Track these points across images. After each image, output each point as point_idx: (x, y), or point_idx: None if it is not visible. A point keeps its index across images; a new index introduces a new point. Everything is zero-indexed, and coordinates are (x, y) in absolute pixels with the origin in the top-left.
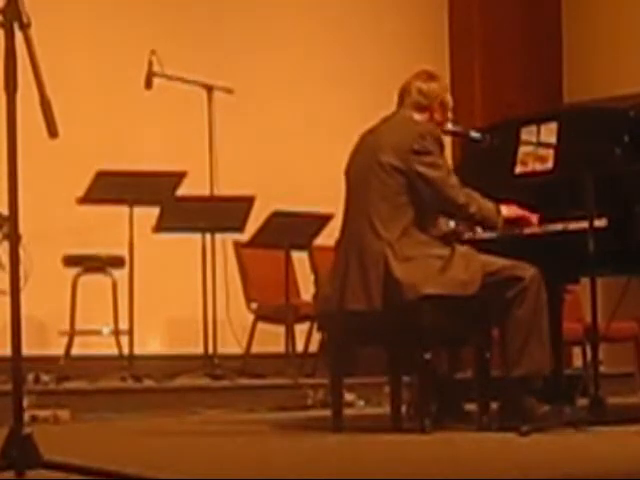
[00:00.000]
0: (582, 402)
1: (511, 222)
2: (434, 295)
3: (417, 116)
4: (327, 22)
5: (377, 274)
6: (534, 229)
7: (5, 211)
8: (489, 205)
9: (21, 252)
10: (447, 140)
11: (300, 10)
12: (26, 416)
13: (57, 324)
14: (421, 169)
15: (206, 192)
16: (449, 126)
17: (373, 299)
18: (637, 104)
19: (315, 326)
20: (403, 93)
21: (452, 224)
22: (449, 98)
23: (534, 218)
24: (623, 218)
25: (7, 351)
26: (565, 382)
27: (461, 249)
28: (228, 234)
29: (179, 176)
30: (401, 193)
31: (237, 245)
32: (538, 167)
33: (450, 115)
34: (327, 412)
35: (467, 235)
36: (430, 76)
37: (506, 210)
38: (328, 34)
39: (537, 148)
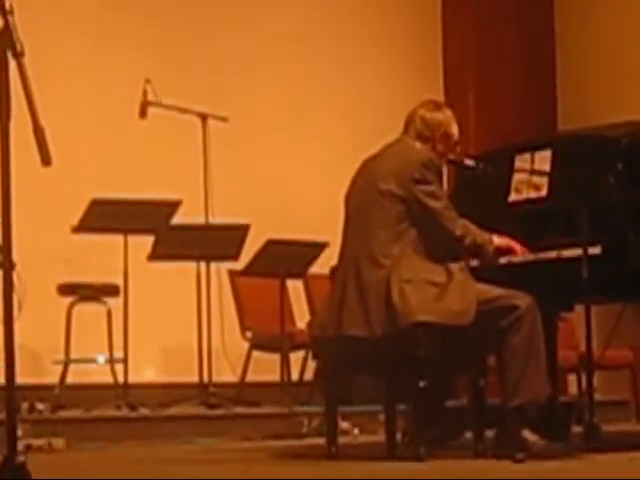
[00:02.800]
0: (577, 429)
1: (501, 251)
2: (428, 323)
3: (419, 145)
4: (323, 51)
5: (377, 299)
6: (528, 257)
7: None
8: (482, 235)
9: (15, 280)
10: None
11: (296, 39)
12: (21, 445)
13: (52, 353)
14: (421, 198)
15: (201, 220)
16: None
17: (373, 326)
18: (630, 132)
19: (310, 354)
20: (408, 121)
21: None
22: (454, 130)
23: (521, 250)
24: (617, 245)
25: (1, 380)
26: (560, 409)
27: (458, 277)
28: (223, 262)
29: (174, 205)
30: (401, 220)
31: (232, 273)
32: (532, 195)
33: (457, 149)
34: (322, 440)
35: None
36: (436, 106)
37: (497, 239)
38: (324, 63)
39: (531, 176)
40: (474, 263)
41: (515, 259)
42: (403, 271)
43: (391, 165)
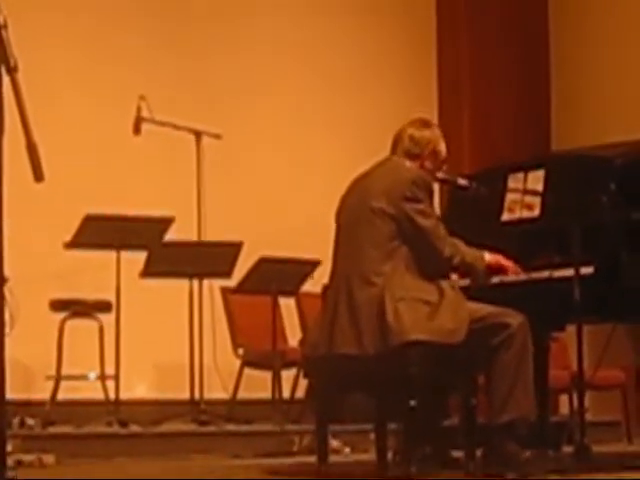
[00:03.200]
0: (568, 449)
1: (492, 270)
2: (420, 341)
3: (408, 163)
4: (317, 70)
5: (368, 318)
6: (520, 276)
7: None
8: (472, 253)
9: (8, 295)
10: (435, 187)
11: (290, 58)
12: (11, 460)
13: (43, 368)
14: (412, 216)
15: (194, 237)
16: (437, 174)
17: (364, 344)
18: (623, 152)
19: (302, 372)
20: (396, 140)
21: None
22: (442, 147)
23: (514, 269)
24: (609, 265)
25: None
26: (551, 429)
27: (450, 295)
28: (215, 280)
29: (167, 221)
30: (392, 238)
31: (224, 291)
32: (525, 214)
33: (444, 167)
34: (313, 458)
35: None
36: (424, 124)
37: (489, 256)
38: (318, 82)
39: (524, 195)
40: (465, 282)
41: (507, 279)
42: (395, 289)
43: (382, 183)
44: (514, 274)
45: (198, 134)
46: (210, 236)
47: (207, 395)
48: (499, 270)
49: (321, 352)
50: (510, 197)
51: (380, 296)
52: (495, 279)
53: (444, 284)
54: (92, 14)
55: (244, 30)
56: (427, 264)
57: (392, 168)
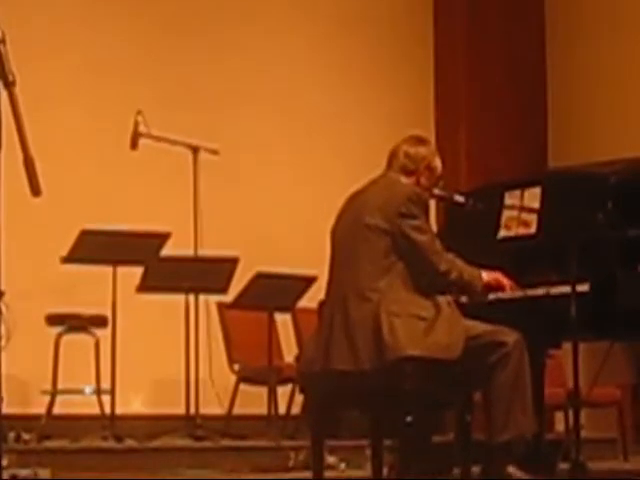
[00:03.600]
0: (563, 467)
1: (490, 287)
2: (416, 357)
3: (404, 180)
4: (315, 86)
5: (364, 333)
6: (516, 294)
7: None
8: (469, 271)
9: (4, 310)
10: (431, 204)
11: (287, 73)
12: (6, 474)
13: (39, 383)
14: (407, 232)
15: (190, 253)
16: (433, 190)
17: (360, 360)
18: (619, 170)
19: (297, 388)
20: (391, 157)
21: None
22: (437, 163)
23: (508, 285)
24: (605, 283)
25: None
26: (547, 447)
27: (446, 311)
28: (212, 295)
29: (163, 236)
30: (388, 254)
31: (220, 306)
32: (521, 231)
33: (440, 182)
34: (309, 474)
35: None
36: (418, 140)
37: (486, 274)
38: (316, 98)
39: (520, 213)
40: (462, 299)
41: (503, 295)
42: (391, 305)
43: (377, 199)
44: (511, 291)
45: (195, 149)
46: (207, 251)
47: (203, 410)
48: (497, 288)
49: (317, 368)
50: (507, 214)
51: (376, 312)
52: (491, 296)
53: (440, 300)
54: (90, 29)
55: (243, 46)
56: (423, 280)
57: (387, 184)
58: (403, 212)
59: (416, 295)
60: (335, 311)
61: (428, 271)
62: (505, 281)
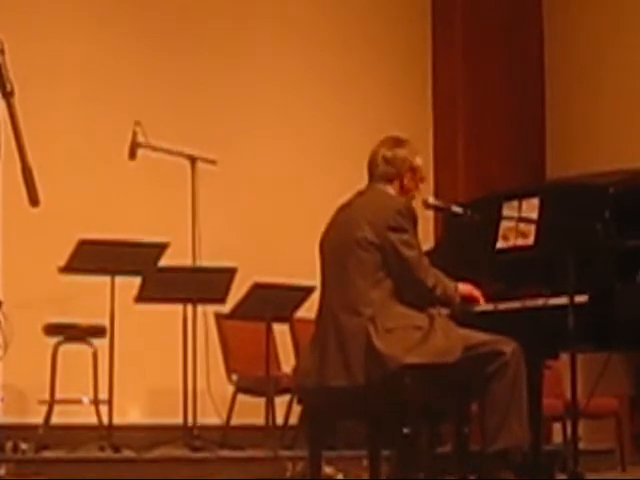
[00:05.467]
0: (561, 478)
1: (466, 299)
2: (415, 365)
3: (389, 188)
4: (311, 97)
5: (357, 349)
6: (514, 304)
7: None
8: (450, 285)
9: (1, 319)
10: (429, 215)
11: (283, 83)
12: None
13: (37, 392)
14: (396, 246)
15: (188, 263)
16: (431, 200)
17: (354, 374)
18: (618, 180)
19: (295, 399)
20: (371, 165)
21: None
22: (418, 162)
23: (480, 298)
24: (604, 294)
25: None
26: (544, 458)
27: (440, 321)
28: (210, 305)
29: (161, 247)
30: (378, 268)
31: (218, 316)
32: (519, 242)
33: (424, 180)
34: None
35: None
36: (396, 142)
37: (461, 286)
38: (312, 108)
39: (518, 223)
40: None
41: (501, 306)
42: (384, 320)
43: (366, 213)
44: (483, 304)
45: (193, 159)
46: (205, 261)
47: (200, 421)
48: (471, 300)
49: (312, 382)
50: (505, 225)
51: (368, 326)
52: (489, 307)
53: (432, 311)
54: (88, 41)
55: (241, 57)
56: (410, 295)
57: (375, 197)
58: (392, 226)
59: (408, 308)
60: (328, 325)
61: (415, 286)
62: (476, 293)
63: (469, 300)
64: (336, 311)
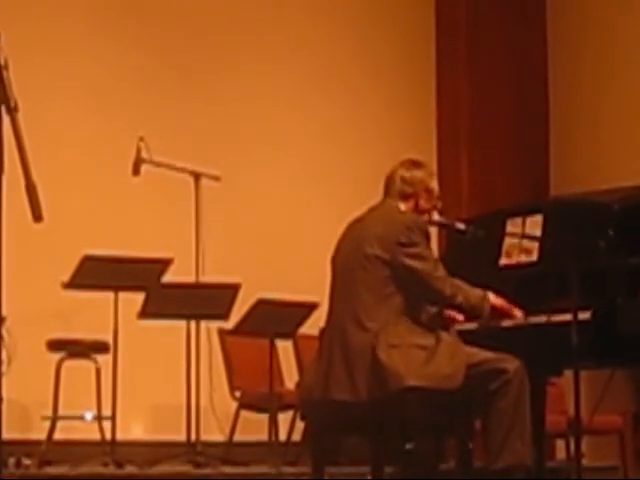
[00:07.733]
0: None
1: (497, 311)
2: (417, 387)
3: (403, 205)
4: (314, 114)
5: (362, 364)
6: (518, 321)
7: None
8: (476, 293)
9: (5, 335)
10: (433, 231)
11: (287, 100)
12: None
13: (40, 408)
14: (407, 261)
15: (192, 279)
16: (435, 217)
17: (358, 389)
18: (621, 198)
19: (298, 415)
20: (388, 182)
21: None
22: (434, 184)
23: (518, 314)
24: (607, 311)
25: None
26: (548, 475)
27: (447, 339)
28: (213, 321)
29: (165, 263)
30: (387, 284)
31: (222, 333)
32: (523, 259)
33: (439, 203)
34: None
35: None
36: (414, 164)
37: (494, 298)
38: (313, 125)
39: (522, 240)
40: (469, 326)
41: (505, 323)
42: (390, 337)
43: (376, 229)
44: (517, 319)
45: (197, 175)
46: (208, 277)
47: (203, 437)
48: (503, 313)
49: (316, 396)
50: (508, 242)
51: (374, 342)
52: (496, 322)
53: (441, 333)
54: (92, 57)
55: (245, 73)
56: (423, 315)
57: (386, 213)
58: (402, 241)
59: (416, 325)
60: (334, 340)
61: (432, 297)
62: (516, 312)
63: (502, 313)
64: (343, 325)
